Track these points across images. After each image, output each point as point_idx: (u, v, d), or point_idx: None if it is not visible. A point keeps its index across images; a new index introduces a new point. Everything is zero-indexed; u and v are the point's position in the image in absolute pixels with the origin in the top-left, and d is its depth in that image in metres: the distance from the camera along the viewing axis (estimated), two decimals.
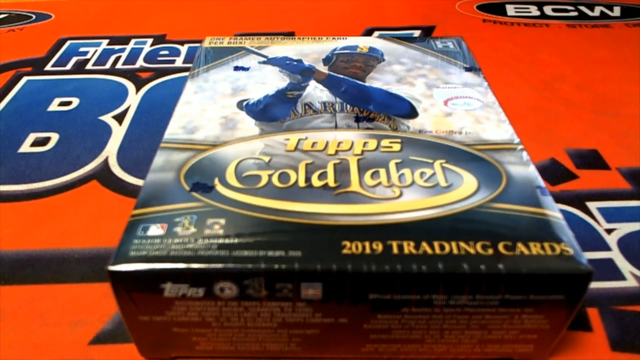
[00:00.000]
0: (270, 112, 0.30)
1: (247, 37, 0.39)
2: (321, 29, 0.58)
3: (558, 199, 0.34)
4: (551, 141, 0.40)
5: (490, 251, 0.21)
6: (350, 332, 0.23)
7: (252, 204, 0.23)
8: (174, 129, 0.28)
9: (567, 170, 0.37)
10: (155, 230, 0.22)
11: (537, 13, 0.63)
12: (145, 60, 0.52)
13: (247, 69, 0.34)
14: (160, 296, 0.21)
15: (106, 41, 0.56)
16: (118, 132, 0.41)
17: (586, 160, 0.38)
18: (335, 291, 0.21)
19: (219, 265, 0.20)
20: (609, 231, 0.32)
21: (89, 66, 0.51)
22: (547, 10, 0.64)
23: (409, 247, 0.21)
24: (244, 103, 0.31)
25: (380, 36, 0.51)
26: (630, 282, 0.29)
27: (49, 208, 0.34)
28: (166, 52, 0.54)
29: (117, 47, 0.55)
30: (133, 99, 0.45)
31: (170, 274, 0.20)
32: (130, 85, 0.47)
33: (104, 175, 0.36)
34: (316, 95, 0.32)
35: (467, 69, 0.35)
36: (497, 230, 0.22)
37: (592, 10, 0.64)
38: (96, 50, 0.54)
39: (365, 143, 0.27)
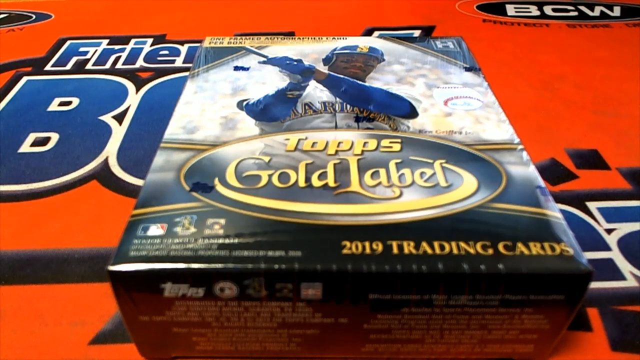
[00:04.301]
0: (270, 112, 0.30)
1: (247, 37, 0.39)
2: (321, 29, 0.58)
3: (558, 199, 0.34)
4: (551, 141, 0.40)
5: (490, 251, 0.21)
6: (350, 332, 0.23)
7: (252, 204, 0.23)
8: (174, 129, 0.28)
9: (567, 170, 0.37)
10: (155, 230, 0.22)
11: (537, 13, 0.63)
12: (145, 60, 0.52)
13: (247, 69, 0.34)
14: (160, 296, 0.21)
15: (106, 41, 0.56)
16: (118, 132, 0.41)
17: (586, 160, 0.38)
18: (335, 291, 0.21)
19: (219, 265, 0.20)
20: (609, 231, 0.32)
21: (89, 66, 0.51)
22: (547, 10, 0.64)
23: (409, 247, 0.21)
24: (244, 103, 0.31)
25: (380, 36, 0.51)
26: (630, 282, 0.29)
27: (49, 208, 0.34)
28: (166, 52, 0.54)
29: (117, 47, 0.55)
30: (133, 99, 0.45)
31: (170, 274, 0.20)
32: (130, 85, 0.47)
33: (104, 175, 0.36)
34: (316, 95, 0.32)
35: (467, 69, 0.35)
36: (497, 230, 0.22)
37: (592, 10, 0.64)
38: (96, 50, 0.54)
39: (365, 143, 0.27)
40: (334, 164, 0.26)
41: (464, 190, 0.24)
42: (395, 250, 0.21)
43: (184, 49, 0.54)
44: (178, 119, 0.29)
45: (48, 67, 0.51)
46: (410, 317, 0.22)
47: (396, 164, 0.26)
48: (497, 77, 0.48)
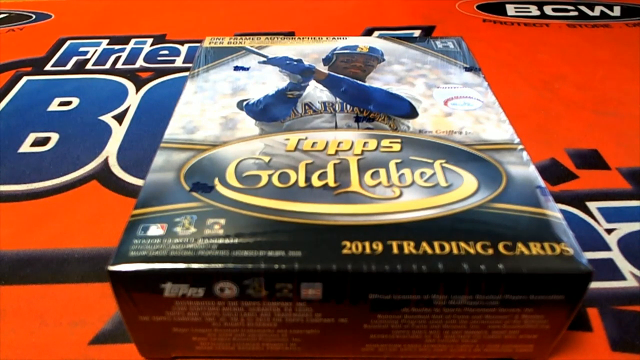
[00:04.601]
0: (270, 112, 0.30)
1: (247, 37, 0.39)
2: (321, 29, 0.58)
3: (558, 199, 0.34)
4: (551, 141, 0.40)
5: (490, 251, 0.21)
6: (350, 332, 0.23)
7: (252, 204, 0.23)
8: (174, 129, 0.28)
9: (567, 170, 0.37)
10: (155, 230, 0.22)
11: (537, 13, 0.63)
12: (145, 60, 0.52)
13: (247, 69, 0.34)
14: (160, 296, 0.21)
15: (106, 41, 0.56)
16: (118, 132, 0.41)
17: (586, 160, 0.38)
18: (335, 291, 0.21)
19: (219, 265, 0.20)
20: (609, 231, 0.32)
21: (89, 66, 0.51)
22: (547, 10, 0.64)
23: (409, 247, 0.21)
24: (244, 103, 0.31)
25: (380, 36, 0.51)
26: (630, 282, 0.29)
27: (49, 208, 0.34)
28: (166, 52, 0.54)
29: (117, 47, 0.55)
30: (133, 99, 0.45)
31: (170, 274, 0.20)
32: (130, 85, 0.47)
33: (104, 175, 0.36)
34: (316, 95, 0.32)
35: (467, 69, 0.35)
36: (497, 230, 0.22)
37: (592, 10, 0.64)
38: (96, 50, 0.54)
39: (365, 143, 0.27)
40: (334, 164, 0.26)
41: (464, 190, 0.24)
42: (395, 250, 0.21)
43: (184, 49, 0.54)
44: (178, 119, 0.29)
45: (48, 67, 0.51)
46: (410, 317, 0.22)
47: (396, 164, 0.26)
48: (497, 77, 0.48)
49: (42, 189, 0.35)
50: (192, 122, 0.29)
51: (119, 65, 0.51)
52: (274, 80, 0.33)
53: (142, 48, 0.54)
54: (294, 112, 0.30)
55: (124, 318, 0.22)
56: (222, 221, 0.22)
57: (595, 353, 0.25)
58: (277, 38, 0.38)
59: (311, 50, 0.37)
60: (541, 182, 0.25)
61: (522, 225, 0.22)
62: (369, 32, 0.58)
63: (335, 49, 0.37)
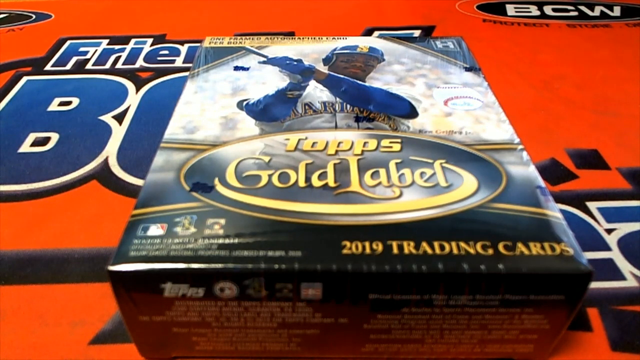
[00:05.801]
0: (270, 112, 0.30)
1: (247, 37, 0.39)
2: (321, 29, 0.58)
3: (558, 199, 0.34)
4: (551, 141, 0.40)
5: (490, 251, 0.21)
6: (350, 332, 0.23)
7: (252, 204, 0.23)
8: (174, 129, 0.28)
9: (567, 170, 0.37)
10: (155, 230, 0.22)
11: (537, 13, 0.63)
12: (145, 60, 0.52)
13: (247, 69, 0.34)
14: (160, 296, 0.21)
15: (106, 41, 0.56)
16: (118, 132, 0.41)
17: (586, 160, 0.38)
18: (335, 291, 0.21)
19: (219, 265, 0.20)
20: (609, 231, 0.32)
21: (89, 66, 0.51)
22: (547, 10, 0.64)
23: (409, 247, 0.21)
24: (244, 103, 0.31)
25: (380, 36, 0.51)
26: (630, 282, 0.29)
27: (49, 208, 0.34)
28: (166, 52, 0.54)
29: (117, 47, 0.55)
30: (133, 98, 0.45)
31: (170, 274, 0.20)
32: (130, 85, 0.47)
33: (104, 175, 0.36)
34: (316, 95, 0.32)
35: (467, 69, 0.35)
36: (497, 230, 0.22)
37: (592, 10, 0.64)
38: (96, 50, 0.54)
39: (365, 143, 0.27)
40: (334, 164, 0.26)
41: (464, 190, 0.24)
42: (395, 250, 0.21)
43: (184, 49, 0.54)
44: (178, 119, 0.29)
45: (48, 67, 0.51)
46: (410, 317, 0.22)
47: (396, 164, 0.26)
48: (497, 77, 0.48)
49: (42, 189, 0.35)
50: (192, 122, 0.29)
51: (119, 65, 0.51)
52: (274, 80, 0.33)
53: (142, 48, 0.54)
54: (294, 112, 0.30)
55: (124, 318, 0.22)
56: (222, 221, 0.22)
57: (595, 353, 0.25)
58: (277, 38, 0.38)
59: (311, 50, 0.37)
60: (541, 182, 0.25)
61: (522, 225, 0.22)
62: (369, 32, 0.58)
63: (335, 49, 0.37)
